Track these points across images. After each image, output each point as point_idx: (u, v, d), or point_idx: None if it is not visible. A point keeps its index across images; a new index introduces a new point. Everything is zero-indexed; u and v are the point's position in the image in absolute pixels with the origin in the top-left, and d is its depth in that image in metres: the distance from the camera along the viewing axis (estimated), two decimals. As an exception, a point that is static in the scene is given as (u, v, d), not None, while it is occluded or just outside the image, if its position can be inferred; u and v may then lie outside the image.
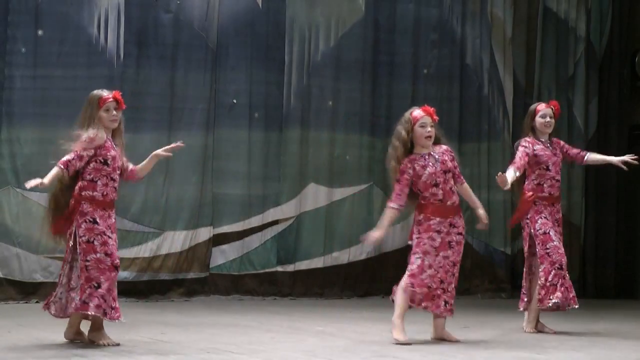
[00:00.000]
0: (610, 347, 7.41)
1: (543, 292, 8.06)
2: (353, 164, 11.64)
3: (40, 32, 10.10)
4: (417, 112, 7.24)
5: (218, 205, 10.95)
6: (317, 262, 11.42)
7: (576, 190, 12.57)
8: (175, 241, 10.68)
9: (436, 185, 7.15)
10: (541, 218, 8.13)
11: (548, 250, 8.08)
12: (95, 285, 6.61)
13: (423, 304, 7.19)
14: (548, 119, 8.29)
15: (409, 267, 7.20)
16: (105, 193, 6.72)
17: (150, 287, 10.55)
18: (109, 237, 6.68)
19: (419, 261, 7.14)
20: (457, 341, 7.29)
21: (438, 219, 7.18)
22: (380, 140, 11.73)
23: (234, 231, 11.02)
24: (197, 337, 7.36)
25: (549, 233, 8.10)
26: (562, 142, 8.45)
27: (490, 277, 12.19)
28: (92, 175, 6.70)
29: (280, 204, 11.24)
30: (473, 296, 11.96)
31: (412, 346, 7.05)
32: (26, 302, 9.83)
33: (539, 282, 8.08)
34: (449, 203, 7.19)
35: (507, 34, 12.42)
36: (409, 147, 7.21)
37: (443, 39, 12.10)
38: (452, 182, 7.22)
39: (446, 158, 7.22)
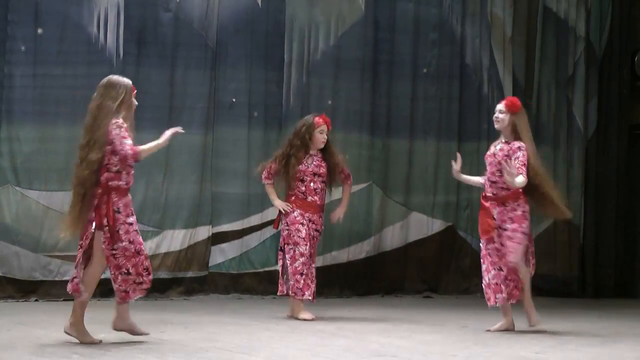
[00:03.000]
0: (609, 347, 7.41)
1: (490, 291, 8.13)
2: (352, 163, 11.55)
3: (40, 31, 10.07)
4: (318, 119, 8.85)
5: (217, 203, 10.94)
6: (317, 261, 11.38)
7: (575, 190, 12.56)
8: (174, 240, 10.67)
9: (302, 181, 8.75)
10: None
11: (489, 251, 8.11)
12: (125, 272, 6.78)
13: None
14: (497, 114, 8.09)
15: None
16: (128, 181, 6.86)
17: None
18: (131, 224, 6.79)
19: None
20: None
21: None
22: (380, 140, 11.74)
23: (233, 230, 11.01)
24: (197, 336, 7.35)
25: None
26: (516, 153, 7.91)
27: (489, 277, 12.15)
28: (118, 167, 6.80)
29: (279, 203, 11.22)
30: (473, 296, 11.95)
31: (411, 346, 7.04)
32: (25, 301, 9.82)
33: (483, 281, 8.19)
34: (309, 199, 8.78)
35: (506, 34, 12.41)
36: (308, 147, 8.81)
37: (443, 39, 12.10)
38: (318, 185, 8.77)
39: (322, 164, 8.86)
